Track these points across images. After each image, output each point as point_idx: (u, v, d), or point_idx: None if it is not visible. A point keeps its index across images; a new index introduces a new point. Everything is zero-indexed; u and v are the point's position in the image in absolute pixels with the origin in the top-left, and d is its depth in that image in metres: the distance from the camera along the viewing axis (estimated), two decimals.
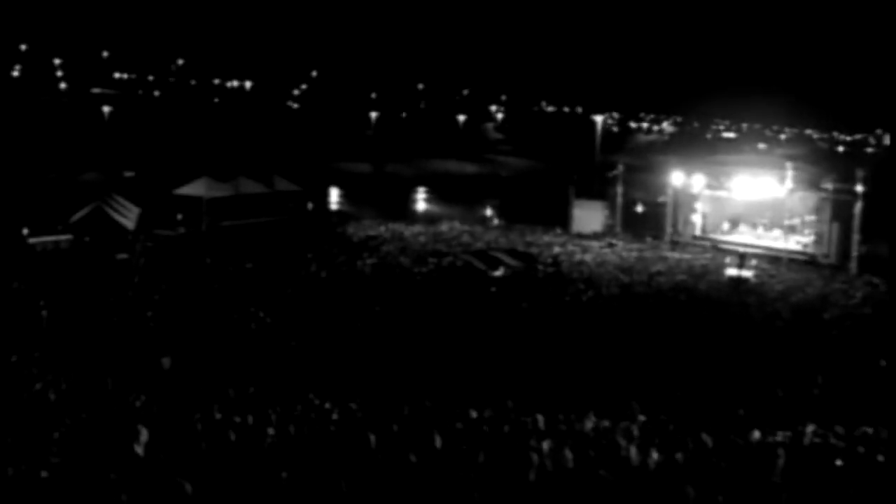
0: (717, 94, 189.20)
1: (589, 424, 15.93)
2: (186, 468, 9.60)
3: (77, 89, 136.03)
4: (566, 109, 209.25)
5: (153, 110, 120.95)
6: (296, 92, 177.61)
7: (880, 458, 13.17)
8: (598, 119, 75.36)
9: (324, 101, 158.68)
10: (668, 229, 50.10)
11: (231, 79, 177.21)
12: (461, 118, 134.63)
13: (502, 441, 12.64)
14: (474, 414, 16.12)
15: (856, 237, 42.81)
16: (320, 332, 26.62)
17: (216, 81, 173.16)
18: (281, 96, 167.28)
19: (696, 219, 50.33)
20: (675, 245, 48.29)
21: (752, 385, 23.20)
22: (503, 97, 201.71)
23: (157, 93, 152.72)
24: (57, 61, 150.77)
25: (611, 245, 47.05)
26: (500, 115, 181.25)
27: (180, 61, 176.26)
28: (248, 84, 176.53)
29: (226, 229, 46.39)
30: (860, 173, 43.98)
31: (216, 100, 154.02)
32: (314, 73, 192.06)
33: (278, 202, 52.51)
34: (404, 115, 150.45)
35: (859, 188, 43.28)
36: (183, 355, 22.34)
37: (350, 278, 35.42)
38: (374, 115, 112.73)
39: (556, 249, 44.07)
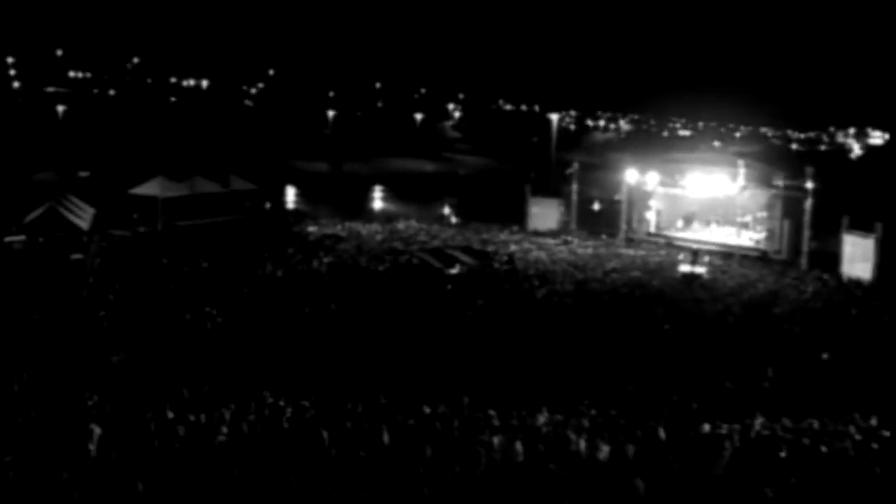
0: (674, 93, 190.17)
1: (541, 419, 16.14)
2: (139, 467, 9.67)
3: (31, 88, 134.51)
4: (524, 108, 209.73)
5: (108, 109, 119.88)
6: (253, 91, 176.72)
7: (823, 448, 13.46)
8: (554, 117, 75.61)
9: (281, 99, 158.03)
10: (623, 226, 50.53)
11: (187, 77, 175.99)
12: (419, 117, 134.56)
13: (452, 436, 12.80)
14: (428, 410, 16.28)
15: (806, 233, 43.48)
16: (275, 330, 26.66)
17: (172, 80, 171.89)
18: (238, 95, 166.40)
19: (651, 216, 50.86)
20: (629, 242, 48.71)
21: (705, 379, 23.57)
22: (461, 95, 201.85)
23: (112, 92, 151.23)
24: (10, 60, 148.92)
25: (566, 242, 47.35)
26: (457, 114, 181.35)
27: (136, 60, 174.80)
28: (204, 83, 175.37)
29: (181, 229, 46.17)
30: (810, 170, 44.66)
31: (172, 99, 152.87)
32: (271, 72, 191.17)
33: (234, 201, 52.37)
34: (362, 113, 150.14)
35: (809, 185, 43.94)
36: (137, 355, 22.30)
37: (306, 277, 35.43)
38: (331, 113, 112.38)
39: (512, 247, 44.29)
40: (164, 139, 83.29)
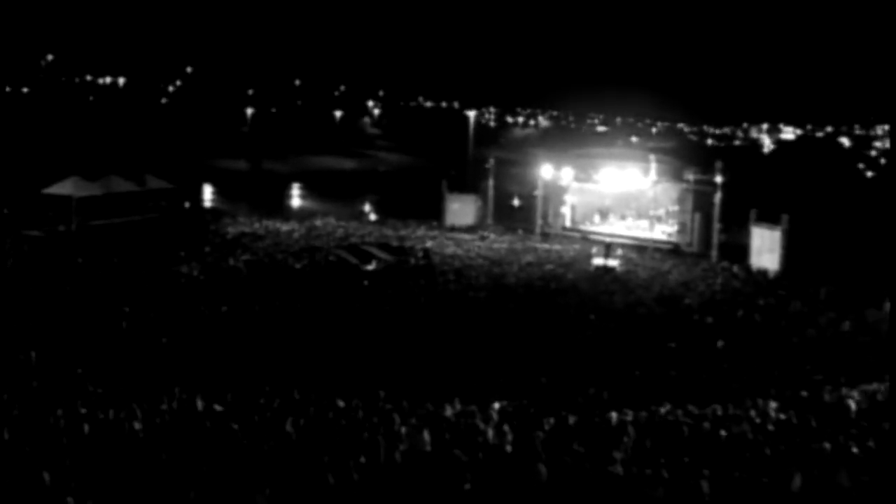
0: (594, 90, 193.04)
1: (451, 410, 16.44)
2: (47, 460, 9.72)
3: None
4: (444, 105, 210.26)
5: (21, 107, 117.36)
6: (170, 88, 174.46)
7: (723, 433, 13.95)
8: (471, 114, 76.23)
9: (199, 97, 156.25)
10: (539, 221, 51.18)
11: (103, 75, 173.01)
12: (338, 114, 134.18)
13: (360, 427, 13.02)
14: (342, 403, 16.46)
15: (716, 226, 44.52)
16: (192, 327, 26.55)
17: (88, 78, 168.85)
18: (155, 93, 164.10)
19: (566, 210, 51.58)
20: (545, 237, 49.34)
21: (616, 369, 24.10)
22: (380, 93, 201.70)
23: (25, 89, 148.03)
24: None
25: (483, 238, 47.79)
26: (377, 111, 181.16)
27: (50, 57, 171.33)
28: (121, 80, 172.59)
29: (97, 228, 45.57)
30: (719, 164, 45.71)
31: (88, 97, 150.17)
32: (189, 70, 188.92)
33: (151, 200, 51.82)
34: (281, 111, 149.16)
35: (718, 179, 44.99)
36: (49, 353, 22.04)
37: (223, 275, 35.27)
38: (250, 111, 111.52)
39: (429, 243, 44.58)
40: (78, 137, 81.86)
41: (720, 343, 26.72)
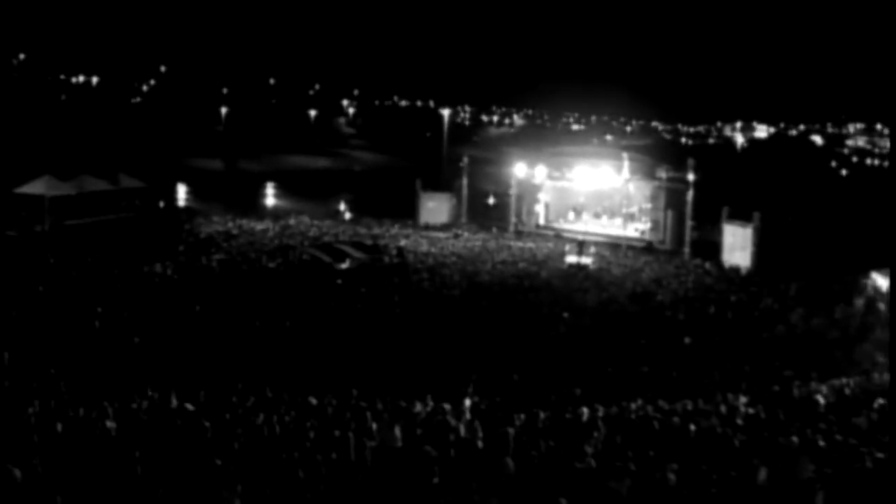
0: (570, 89, 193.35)
1: (424, 407, 16.52)
2: (17, 457, 9.71)
3: None
4: (419, 104, 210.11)
5: None
6: (144, 87, 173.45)
7: (692, 427, 14.08)
8: (445, 113, 76.43)
9: (173, 96, 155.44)
10: (513, 219, 51.39)
11: (77, 74, 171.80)
12: (313, 113, 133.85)
13: (331, 424, 13.07)
14: (314, 401, 16.49)
15: (689, 223, 44.84)
16: (165, 327, 26.48)
17: (61, 77, 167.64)
18: (128, 92, 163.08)
19: (540, 208, 51.78)
20: (519, 234, 49.57)
21: (588, 366, 24.25)
22: (355, 91, 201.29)
23: None
24: None
25: (457, 236, 47.94)
26: (352, 110, 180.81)
27: (22, 56, 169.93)
28: (94, 79, 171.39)
29: (70, 228, 45.32)
30: (691, 162, 46.02)
31: (61, 96, 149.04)
32: (163, 68, 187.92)
33: (124, 199, 51.58)
34: (255, 110, 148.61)
35: (691, 177, 45.30)
36: (23, 353, 21.95)
37: (196, 274, 35.19)
38: (224, 110, 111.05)
39: (403, 241, 44.66)
40: (51, 136, 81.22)
41: (687, 340, 26.92)
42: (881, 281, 34.81)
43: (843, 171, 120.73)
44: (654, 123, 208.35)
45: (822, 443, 12.65)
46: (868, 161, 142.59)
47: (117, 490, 9.25)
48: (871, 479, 10.18)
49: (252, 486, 9.09)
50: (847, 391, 19.29)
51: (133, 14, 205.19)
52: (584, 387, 21.53)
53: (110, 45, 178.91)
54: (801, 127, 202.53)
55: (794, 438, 12.44)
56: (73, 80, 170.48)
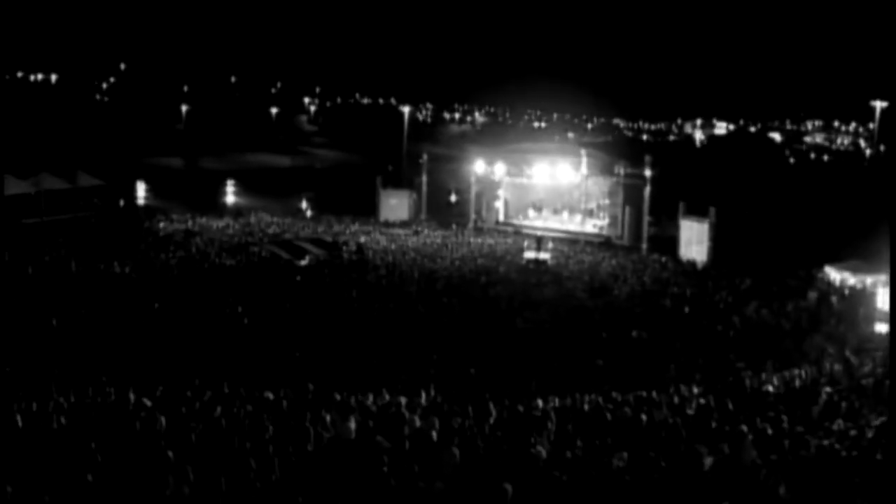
0: (532, 86, 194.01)
1: (379, 400, 16.63)
2: None
3: None
4: (380, 101, 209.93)
5: None
6: (104, 85, 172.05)
7: (643, 417, 14.28)
8: (406, 110, 76.50)
9: (132, 94, 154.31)
10: (473, 216, 51.61)
11: (35, 71, 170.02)
12: (274, 111, 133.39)
13: (286, 417, 13.17)
14: (270, 396, 16.55)
15: (646, 219, 45.26)
16: (123, 325, 26.39)
17: (19, 74, 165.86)
18: (87, 89, 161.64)
19: (499, 205, 52.03)
20: (479, 231, 49.77)
21: (545, 359, 24.43)
22: (317, 89, 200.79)
23: None
24: None
25: (417, 232, 48.07)
26: (313, 108, 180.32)
27: None
28: (53, 77, 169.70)
29: (27, 227, 44.94)
30: (648, 159, 46.43)
31: (19, 93, 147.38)
32: (122, 66, 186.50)
33: (83, 198, 51.22)
34: (216, 108, 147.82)
35: (648, 173, 45.72)
36: None
37: (155, 272, 35.03)
38: (185, 108, 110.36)
39: (363, 238, 44.71)
40: (8, 135, 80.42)
41: (634, 333, 27.19)
42: (834, 275, 35.38)
43: (800, 168, 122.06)
44: (615, 121, 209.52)
45: (769, 431, 12.88)
46: (825, 157, 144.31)
47: (68, 481, 9.30)
48: (815, 464, 10.44)
49: (204, 474, 9.17)
50: (797, 382, 19.60)
51: (93, 11, 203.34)
52: (540, 380, 21.70)
53: (70, 43, 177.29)
54: (760, 124, 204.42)
55: (743, 427, 12.66)
56: (32, 77, 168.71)
